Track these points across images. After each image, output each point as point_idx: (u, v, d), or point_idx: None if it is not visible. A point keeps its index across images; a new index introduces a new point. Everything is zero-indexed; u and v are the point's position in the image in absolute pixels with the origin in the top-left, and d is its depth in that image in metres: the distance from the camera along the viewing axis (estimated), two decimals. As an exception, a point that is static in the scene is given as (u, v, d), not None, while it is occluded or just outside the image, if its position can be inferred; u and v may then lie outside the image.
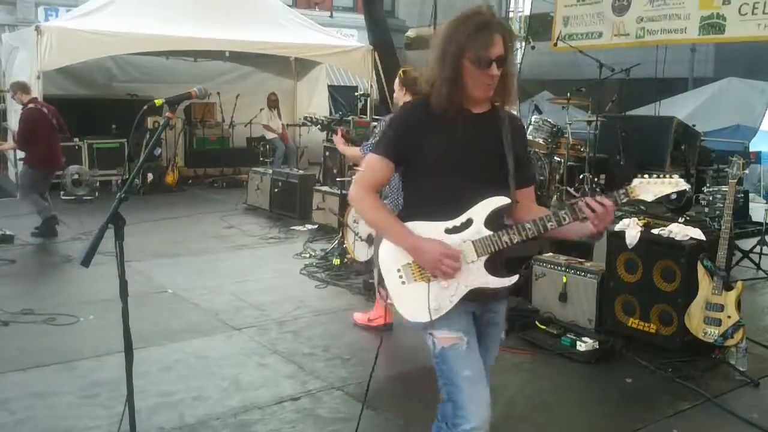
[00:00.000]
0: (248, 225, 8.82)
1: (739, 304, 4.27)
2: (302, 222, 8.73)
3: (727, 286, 4.27)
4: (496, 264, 2.32)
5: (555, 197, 7.42)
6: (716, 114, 12.06)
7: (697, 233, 4.51)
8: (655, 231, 4.67)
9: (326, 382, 4.17)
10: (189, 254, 7.30)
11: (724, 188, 5.80)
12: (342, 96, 16.86)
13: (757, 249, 6.80)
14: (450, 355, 2.29)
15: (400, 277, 2.31)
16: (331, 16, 22.08)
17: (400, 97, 5.09)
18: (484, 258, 2.27)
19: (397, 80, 4.95)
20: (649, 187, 2.25)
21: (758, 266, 6.69)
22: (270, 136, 12.42)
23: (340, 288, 6.14)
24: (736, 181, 4.48)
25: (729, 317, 4.22)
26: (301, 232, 8.37)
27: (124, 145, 11.33)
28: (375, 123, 7.33)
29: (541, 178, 8.06)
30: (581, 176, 8.23)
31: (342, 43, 12.65)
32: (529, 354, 4.66)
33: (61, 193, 10.02)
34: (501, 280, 2.31)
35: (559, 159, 8.44)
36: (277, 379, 4.22)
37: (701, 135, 8.44)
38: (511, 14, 13.65)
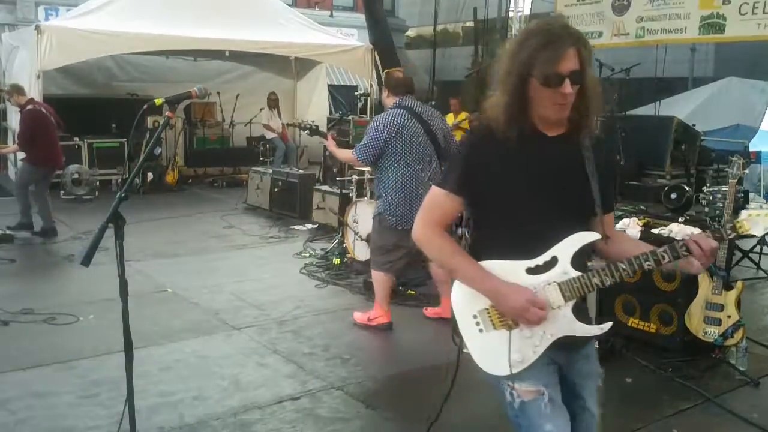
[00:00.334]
0: (248, 224, 8.82)
1: (739, 304, 4.27)
2: (302, 221, 8.73)
3: (727, 286, 4.27)
4: (582, 308, 2.08)
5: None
6: (716, 114, 12.05)
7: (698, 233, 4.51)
8: (655, 231, 4.67)
9: (326, 382, 4.16)
10: (189, 254, 7.30)
11: (724, 188, 5.79)
12: (342, 95, 16.88)
13: (757, 249, 6.80)
14: (531, 410, 2.07)
15: (477, 324, 2.10)
16: (331, 15, 22.09)
17: (385, 98, 5.12)
18: (571, 303, 2.03)
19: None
20: (759, 220, 2.05)
21: (758, 266, 6.70)
22: (270, 135, 12.42)
23: (340, 287, 6.14)
24: (736, 180, 4.48)
25: (729, 317, 4.22)
26: (301, 231, 8.37)
27: (124, 144, 11.33)
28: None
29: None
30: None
31: (342, 43, 12.64)
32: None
33: (61, 192, 10.02)
34: (589, 328, 2.06)
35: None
36: (277, 378, 4.22)
37: (701, 135, 8.44)
38: (511, 14, 13.64)
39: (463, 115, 11.65)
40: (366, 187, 6.61)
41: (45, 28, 9.85)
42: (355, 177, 6.82)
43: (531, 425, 2.08)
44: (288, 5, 14.28)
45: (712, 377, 4.24)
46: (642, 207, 5.72)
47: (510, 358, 2.04)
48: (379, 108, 12.76)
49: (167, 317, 5.25)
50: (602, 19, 9.52)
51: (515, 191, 2.04)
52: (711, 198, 6.20)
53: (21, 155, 8.11)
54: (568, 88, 1.94)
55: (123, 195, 2.52)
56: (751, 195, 9.58)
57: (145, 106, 2.84)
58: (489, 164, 2.05)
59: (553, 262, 2.02)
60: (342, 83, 17.77)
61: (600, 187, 2.08)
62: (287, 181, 9.25)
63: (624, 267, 2.00)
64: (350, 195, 7.03)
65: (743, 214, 2.08)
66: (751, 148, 11.11)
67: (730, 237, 2.06)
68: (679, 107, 11.69)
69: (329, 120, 13.58)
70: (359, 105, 13.11)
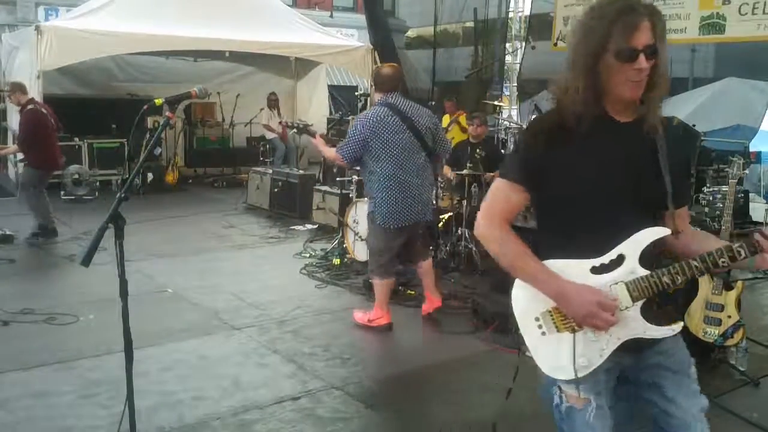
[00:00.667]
0: (248, 224, 8.82)
1: (739, 304, 4.26)
2: (302, 222, 8.74)
3: (727, 286, 4.26)
4: (652, 308, 1.94)
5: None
6: (716, 114, 12.04)
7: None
8: None
9: (326, 382, 4.16)
10: (189, 254, 7.30)
11: (724, 188, 5.79)
12: (342, 96, 16.87)
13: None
14: (577, 417, 1.98)
15: (540, 326, 2.00)
16: (331, 16, 22.10)
17: (373, 95, 5.11)
18: (640, 303, 1.90)
19: None
20: None
21: (758, 266, 6.68)
22: (270, 135, 12.42)
23: (340, 288, 6.14)
24: (736, 181, 4.47)
25: (729, 317, 4.21)
26: (301, 231, 8.37)
27: (124, 144, 11.34)
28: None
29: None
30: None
31: (342, 43, 12.64)
32: (529, 354, 4.65)
33: (62, 192, 10.02)
34: (660, 329, 1.93)
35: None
36: (277, 378, 4.21)
37: (701, 135, 8.43)
38: (511, 14, 13.64)
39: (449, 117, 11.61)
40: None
41: (45, 29, 9.85)
42: (355, 177, 6.82)
43: (579, 429, 2.00)
44: (288, 6, 14.29)
45: (712, 377, 4.23)
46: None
47: (576, 363, 1.92)
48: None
49: (167, 317, 5.25)
50: (602, 19, 9.52)
51: (582, 182, 1.91)
52: (711, 198, 6.20)
53: (20, 156, 8.09)
54: (643, 62, 1.82)
55: (123, 195, 2.52)
56: (751, 195, 9.60)
57: (145, 107, 2.84)
58: (555, 153, 1.91)
59: (620, 260, 1.90)
60: (342, 83, 17.77)
61: (673, 178, 1.92)
62: (287, 182, 9.26)
63: (697, 264, 1.86)
64: (350, 195, 7.03)
65: None
66: (751, 148, 11.11)
67: None
68: (679, 107, 11.68)
69: (329, 120, 13.58)
70: (359, 105, 13.10)
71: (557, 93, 1.94)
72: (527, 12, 13.55)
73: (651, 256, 1.91)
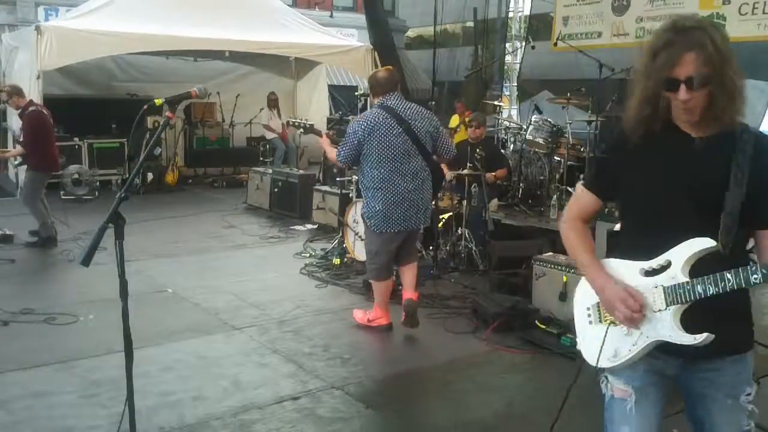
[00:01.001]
0: (248, 225, 8.82)
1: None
2: (302, 221, 8.74)
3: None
4: (690, 316, 1.97)
5: (555, 197, 7.42)
6: (716, 114, 12.05)
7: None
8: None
9: (326, 382, 4.16)
10: (189, 254, 7.30)
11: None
12: (342, 96, 16.87)
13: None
14: (616, 408, 2.14)
15: (588, 315, 2.19)
16: (331, 16, 22.10)
17: (372, 98, 5.08)
18: (673, 308, 1.96)
19: None
20: None
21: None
22: (270, 135, 12.42)
23: (340, 288, 6.14)
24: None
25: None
26: (301, 231, 8.37)
27: (124, 144, 11.34)
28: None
29: (541, 178, 8.07)
30: (581, 176, 8.23)
31: (342, 43, 12.64)
32: (529, 354, 4.66)
33: (61, 192, 10.02)
34: (683, 336, 1.96)
35: (559, 159, 8.44)
36: (277, 378, 4.21)
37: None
38: (510, 14, 13.66)
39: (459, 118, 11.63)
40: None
41: (45, 29, 9.85)
42: (355, 177, 6.82)
43: (612, 422, 2.16)
44: (288, 6, 14.29)
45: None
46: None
47: (602, 351, 2.09)
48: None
49: (167, 317, 5.25)
50: (602, 19, 9.52)
51: (641, 192, 2.06)
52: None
53: (19, 158, 8.05)
54: (682, 94, 1.90)
55: (123, 195, 2.52)
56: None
57: (145, 107, 2.84)
58: (620, 163, 2.09)
59: (667, 265, 1.99)
60: (342, 83, 17.76)
61: (754, 195, 1.93)
62: (287, 181, 9.26)
63: (729, 277, 1.88)
64: (350, 195, 7.04)
65: None
66: (751, 148, 11.09)
67: None
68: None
69: (329, 120, 13.58)
70: (359, 105, 13.10)
71: (626, 111, 2.05)
72: (527, 12, 13.57)
73: (702, 267, 1.94)
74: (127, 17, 10.43)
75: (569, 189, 8.13)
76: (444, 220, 6.87)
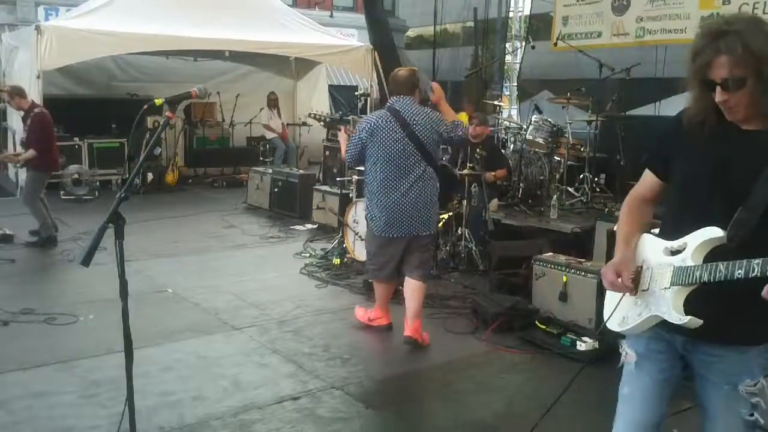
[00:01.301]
0: (248, 224, 8.82)
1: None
2: (302, 221, 8.74)
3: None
4: (699, 300, 2.04)
5: (555, 197, 7.42)
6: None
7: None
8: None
9: (326, 382, 4.17)
10: (189, 254, 7.30)
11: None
12: (342, 96, 16.86)
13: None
14: (625, 371, 2.34)
15: None
16: (331, 16, 22.10)
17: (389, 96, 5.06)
18: (676, 288, 2.06)
19: None
20: None
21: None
22: (270, 135, 12.42)
23: (340, 287, 6.14)
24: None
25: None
26: (301, 231, 8.37)
27: (124, 144, 11.34)
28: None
29: (541, 178, 8.06)
30: (581, 176, 8.23)
31: (342, 43, 12.64)
32: (529, 354, 4.66)
33: (61, 192, 10.02)
34: (672, 314, 2.06)
35: (559, 159, 8.44)
36: (277, 378, 4.22)
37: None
38: (511, 14, 13.66)
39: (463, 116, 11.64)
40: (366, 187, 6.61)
41: (45, 28, 9.84)
42: (355, 177, 6.82)
43: (621, 383, 2.34)
44: (288, 5, 14.29)
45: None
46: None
47: (612, 313, 2.28)
48: (380, 108, 12.81)
49: (167, 317, 5.25)
50: (602, 19, 9.52)
51: (681, 175, 2.18)
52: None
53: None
54: (719, 95, 1.98)
55: (123, 195, 2.52)
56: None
57: (145, 107, 2.83)
58: (672, 148, 2.22)
59: (683, 248, 2.09)
60: (342, 83, 17.76)
61: None
62: (287, 181, 9.26)
63: (721, 269, 1.94)
64: (350, 195, 7.04)
65: None
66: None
67: None
68: (679, 107, 11.65)
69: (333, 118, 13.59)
70: (359, 105, 13.10)
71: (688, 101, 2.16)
72: (527, 12, 13.57)
73: (717, 254, 2.00)
74: (127, 17, 10.43)
75: (569, 189, 8.13)
76: (444, 220, 6.87)
